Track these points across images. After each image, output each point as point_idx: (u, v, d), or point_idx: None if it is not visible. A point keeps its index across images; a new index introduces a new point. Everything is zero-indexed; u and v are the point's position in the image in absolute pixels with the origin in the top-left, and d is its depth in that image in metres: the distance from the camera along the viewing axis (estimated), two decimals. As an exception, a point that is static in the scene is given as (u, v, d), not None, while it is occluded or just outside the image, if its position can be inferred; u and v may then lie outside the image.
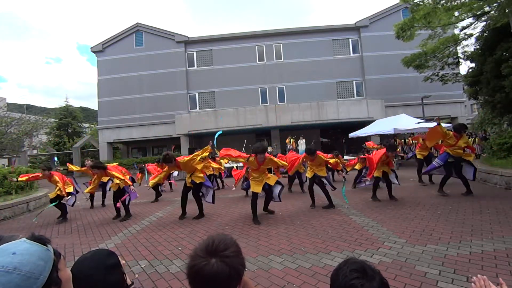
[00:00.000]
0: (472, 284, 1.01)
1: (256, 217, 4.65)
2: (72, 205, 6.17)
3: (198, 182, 5.13)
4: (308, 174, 5.58)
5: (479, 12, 9.29)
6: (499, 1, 8.02)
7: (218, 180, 9.19)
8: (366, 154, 7.27)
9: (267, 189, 4.88)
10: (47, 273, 0.68)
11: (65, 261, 0.82)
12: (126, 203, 5.60)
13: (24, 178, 5.84)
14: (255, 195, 4.76)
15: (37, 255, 0.68)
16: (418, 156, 7.73)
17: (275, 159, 4.81)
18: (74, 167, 7.59)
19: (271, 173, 5.22)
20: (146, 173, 8.48)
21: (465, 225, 3.76)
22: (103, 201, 7.47)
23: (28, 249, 0.68)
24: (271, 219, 4.77)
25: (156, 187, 7.72)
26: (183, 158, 5.12)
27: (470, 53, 11.50)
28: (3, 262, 0.63)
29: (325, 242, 3.48)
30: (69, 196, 5.87)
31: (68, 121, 27.45)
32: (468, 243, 3.10)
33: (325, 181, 5.46)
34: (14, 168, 8.69)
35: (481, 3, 8.38)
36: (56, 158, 21.66)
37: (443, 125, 5.79)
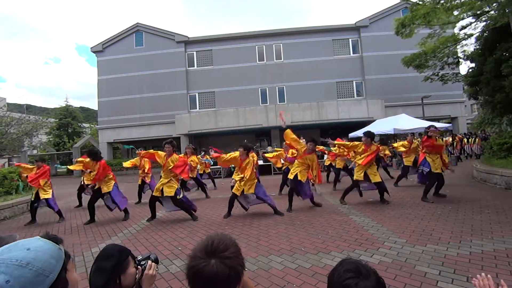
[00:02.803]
0: (473, 281, 1.02)
1: (229, 213, 5.11)
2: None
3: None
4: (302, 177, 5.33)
5: (479, 12, 9.28)
6: (499, 0, 8.01)
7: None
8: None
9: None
10: (57, 272, 0.69)
11: (74, 264, 0.82)
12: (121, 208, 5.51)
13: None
14: (234, 195, 5.02)
15: (49, 253, 0.70)
16: (406, 163, 7.44)
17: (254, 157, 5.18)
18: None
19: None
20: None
21: (465, 225, 3.76)
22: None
23: (42, 246, 0.70)
24: (271, 219, 4.77)
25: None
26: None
27: (470, 53, 11.49)
28: (18, 256, 0.65)
29: (325, 242, 3.48)
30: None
31: (68, 121, 27.45)
32: (468, 243, 3.10)
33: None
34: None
35: (481, 2, 8.38)
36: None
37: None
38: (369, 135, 5.48)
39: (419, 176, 6.23)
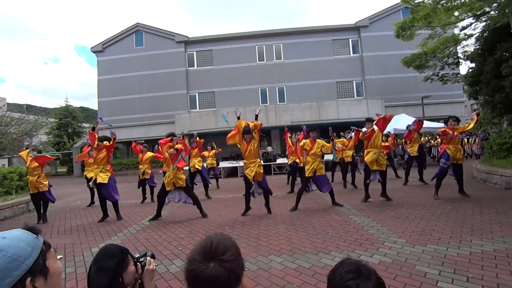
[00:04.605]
0: None
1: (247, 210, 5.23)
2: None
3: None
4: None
5: (479, 12, 9.28)
6: (499, 1, 8.01)
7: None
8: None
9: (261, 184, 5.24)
10: (33, 259, 0.71)
11: (56, 254, 0.83)
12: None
13: None
14: (248, 183, 5.15)
15: (25, 242, 0.73)
16: (412, 154, 7.63)
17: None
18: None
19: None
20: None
21: (465, 225, 3.76)
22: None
23: (18, 236, 0.74)
24: (271, 219, 4.77)
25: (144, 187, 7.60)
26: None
27: (470, 53, 11.49)
28: None
29: (325, 242, 3.48)
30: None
31: (68, 121, 27.40)
32: (468, 243, 3.10)
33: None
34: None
35: (481, 2, 8.38)
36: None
37: (443, 125, 5.81)
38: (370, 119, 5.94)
39: (440, 168, 5.59)
